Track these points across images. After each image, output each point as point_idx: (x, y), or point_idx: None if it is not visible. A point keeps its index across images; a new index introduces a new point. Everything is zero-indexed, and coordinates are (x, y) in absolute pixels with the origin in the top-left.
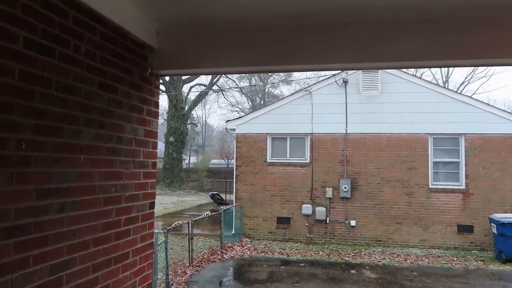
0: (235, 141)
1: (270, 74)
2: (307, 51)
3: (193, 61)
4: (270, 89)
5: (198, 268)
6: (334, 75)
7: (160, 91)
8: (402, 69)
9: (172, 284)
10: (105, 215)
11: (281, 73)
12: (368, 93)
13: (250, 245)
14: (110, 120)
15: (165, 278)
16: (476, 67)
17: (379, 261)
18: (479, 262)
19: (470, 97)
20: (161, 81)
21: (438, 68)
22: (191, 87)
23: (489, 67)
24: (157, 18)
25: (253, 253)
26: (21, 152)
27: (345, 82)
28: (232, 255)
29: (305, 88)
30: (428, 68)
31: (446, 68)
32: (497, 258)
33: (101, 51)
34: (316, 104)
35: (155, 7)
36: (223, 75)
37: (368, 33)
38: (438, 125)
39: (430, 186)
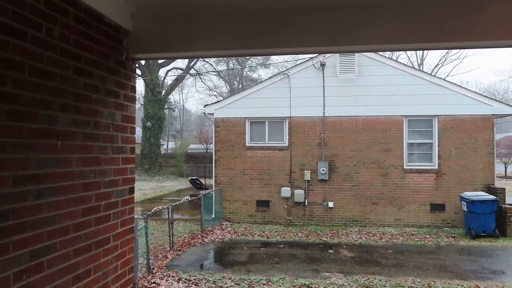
0: (213, 126)
1: (248, 57)
2: (287, 34)
3: (170, 44)
4: (248, 72)
5: (179, 252)
6: (311, 58)
7: (136, 75)
8: (379, 52)
9: (153, 268)
10: (84, 201)
11: (259, 57)
12: (345, 76)
13: (230, 228)
14: (87, 105)
15: (146, 262)
16: (450, 50)
17: (356, 241)
18: (450, 238)
19: (444, 79)
20: (137, 65)
21: (413, 51)
22: (167, 71)
23: (462, 50)
24: (132, 0)
25: (233, 236)
26: None
27: (323, 65)
28: (213, 239)
29: (283, 71)
30: (404, 51)
31: (421, 51)
32: (467, 234)
33: (75, 34)
34: (294, 88)
35: None
36: (201, 59)
37: (347, 17)
38: (413, 107)
39: (405, 167)
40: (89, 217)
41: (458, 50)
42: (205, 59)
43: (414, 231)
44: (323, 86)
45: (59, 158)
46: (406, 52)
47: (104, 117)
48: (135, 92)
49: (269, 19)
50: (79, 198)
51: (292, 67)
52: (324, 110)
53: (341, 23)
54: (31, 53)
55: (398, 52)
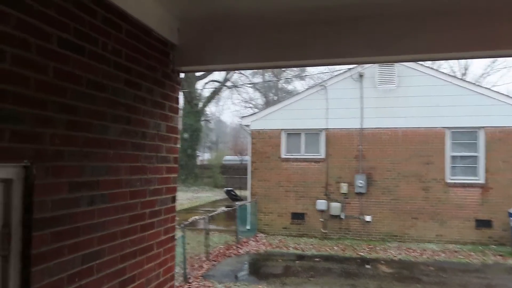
0: (249, 137)
1: (284, 69)
2: (324, 45)
3: (212, 57)
4: (283, 84)
5: (214, 263)
6: (350, 69)
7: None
8: (419, 62)
9: (190, 277)
10: (131, 208)
11: (295, 69)
12: (384, 87)
13: (265, 240)
14: (136, 116)
15: (182, 272)
16: (496, 59)
17: (395, 256)
18: (498, 257)
19: (489, 89)
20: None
21: (456, 61)
22: (205, 84)
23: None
24: (178, 15)
25: (268, 248)
26: (55, 147)
27: (361, 76)
28: (248, 250)
29: (319, 83)
30: (445, 60)
31: (464, 61)
32: None
33: (126, 48)
34: (331, 99)
35: (177, 4)
36: (237, 72)
37: (387, 27)
38: (456, 118)
39: (447, 181)
40: (135, 224)
41: (504, 59)
42: (242, 71)
43: (458, 248)
44: (361, 97)
45: (110, 166)
46: (448, 61)
47: (151, 128)
48: (179, 104)
49: (304, 30)
50: (127, 205)
51: (329, 78)
52: (362, 121)
53: (381, 32)
54: (88, 67)
55: (439, 63)
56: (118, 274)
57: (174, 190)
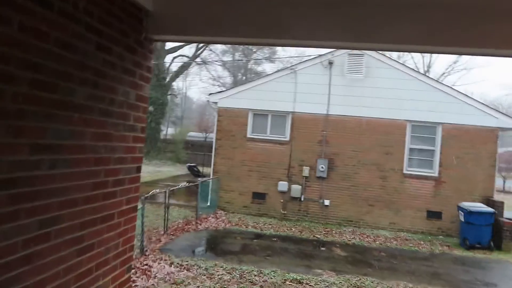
0: (216, 115)
1: (254, 50)
2: (302, 26)
3: (187, 27)
4: (253, 65)
5: (173, 237)
6: (320, 55)
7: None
8: (386, 55)
9: (147, 250)
10: (94, 175)
11: (265, 50)
12: (352, 76)
13: (224, 217)
14: (104, 81)
15: (139, 244)
16: (459, 57)
17: (349, 240)
18: (445, 247)
19: (451, 87)
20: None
21: (420, 57)
22: (174, 58)
23: (470, 59)
24: None
25: (227, 225)
26: (17, 105)
27: (330, 63)
28: (207, 226)
29: (290, 66)
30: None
31: (427, 58)
32: (461, 244)
33: (98, 9)
34: (300, 83)
35: None
36: (208, 48)
37: (369, 14)
38: (418, 112)
39: (404, 172)
40: (97, 192)
41: (465, 59)
42: (212, 49)
43: (409, 236)
44: (329, 84)
45: (75, 130)
46: (413, 58)
47: (119, 95)
48: (150, 73)
49: (289, 9)
50: (90, 172)
51: (299, 62)
52: (328, 108)
53: (362, 20)
54: (56, 24)
55: (404, 58)
56: (76, 241)
57: (139, 160)
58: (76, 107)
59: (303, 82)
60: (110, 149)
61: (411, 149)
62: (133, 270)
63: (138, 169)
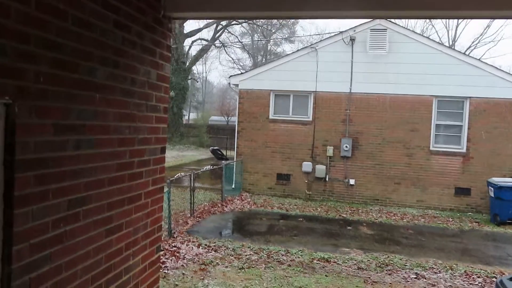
0: (237, 97)
1: (273, 31)
2: None
3: (205, 2)
4: (272, 46)
5: (199, 219)
6: (341, 32)
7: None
8: (410, 29)
9: (175, 232)
10: (119, 156)
11: (284, 31)
12: (375, 52)
13: (250, 199)
14: (124, 61)
15: (167, 227)
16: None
17: (376, 219)
18: (474, 223)
19: (479, 59)
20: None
21: (445, 30)
22: (192, 42)
23: (497, 31)
24: None
25: (252, 207)
26: (39, 85)
27: (352, 40)
28: (232, 208)
29: (310, 45)
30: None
31: (453, 31)
32: (491, 220)
33: None
34: (321, 62)
35: None
36: (226, 30)
37: None
38: (444, 87)
39: (431, 148)
40: (122, 173)
41: (492, 31)
42: (230, 31)
43: (437, 213)
44: (352, 61)
45: (97, 111)
46: (437, 32)
47: (140, 74)
48: (170, 52)
49: None
50: (114, 152)
51: (320, 41)
52: (351, 86)
53: None
54: (74, 2)
55: (428, 32)
56: (105, 221)
57: (163, 140)
58: (98, 87)
59: (324, 60)
60: (134, 129)
61: (437, 125)
62: (162, 252)
63: (163, 150)
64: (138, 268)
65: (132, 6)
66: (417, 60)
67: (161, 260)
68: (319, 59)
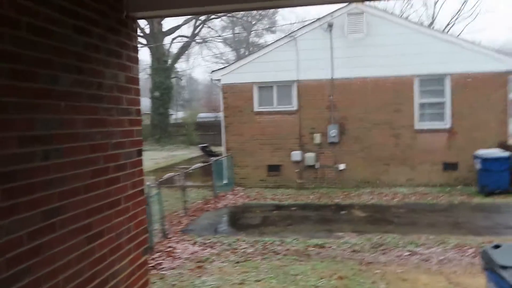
0: (221, 92)
1: (253, 22)
2: None
3: (170, 0)
4: (254, 38)
5: (193, 217)
6: (319, 19)
7: (141, 44)
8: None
9: (169, 233)
10: (92, 162)
11: (265, 21)
12: (354, 35)
13: (242, 193)
14: (89, 66)
15: (161, 228)
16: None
17: (368, 201)
18: (463, 196)
19: (456, 37)
20: (141, 34)
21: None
22: (172, 39)
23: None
24: None
25: (246, 200)
26: None
27: (330, 26)
28: (226, 204)
29: (289, 33)
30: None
31: (431, 9)
32: (480, 192)
33: None
34: (301, 50)
35: None
36: (205, 25)
37: None
38: (424, 66)
39: (416, 128)
40: (98, 179)
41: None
42: (210, 26)
43: (427, 190)
44: (331, 47)
45: (64, 119)
46: (416, 11)
47: (108, 78)
48: (137, 53)
49: None
50: (87, 159)
51: (298, 29)
52: (332, 72)
53: None
54: (27, 10)
55: (408, 12)
56: (84, 229)
57: (139, 143)
58: (62, 95)
59: (304, 48)
60: (106, 134)
61: (421, 104)
62: (158, 253)
63: (139, 153)
64: (126, 272)
65: (92, 9)
66: (395, 41)
67: (157, 261)
68: (299, 47)
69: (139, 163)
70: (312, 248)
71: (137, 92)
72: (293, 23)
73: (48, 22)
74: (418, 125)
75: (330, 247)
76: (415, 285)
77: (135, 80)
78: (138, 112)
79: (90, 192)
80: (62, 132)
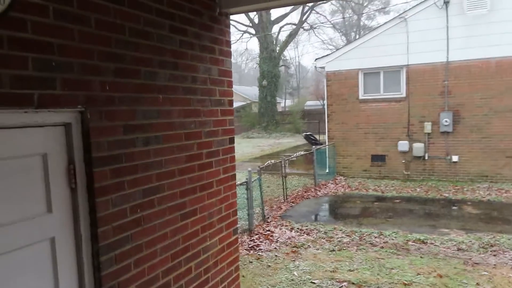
0: (325, 80)
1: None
2: None
3: None
4: (365, 21)
5: (293, 204)
6: None
7: (250, 34)
8: None
9: (268, 217)
10: (187, 149)
11: (377, 2)
12: (475, 12)
13: (344, 182)
14: (183, 61)
15: (261, 212)
16: None
17: (483, 197)
18: None
19: None
20: (250, 24)
21: None
22: (280, 27)
23: None
24: None
25: (346, 190)
26: (105, 93)
27: (446, 2)
28: (326, 192)
29: (399, 15)
30: None
31: None
32: None
33: None
34: (412, 32)
35: None
36: (314, 11)
37: None
38: None
39: None
40: (192, 163)
41: None
42: (319, 11)
43: None
44: (447, 26)
45: (161, 110)
46: None
47: (201, 72)
48: (230, 47)
49: None
50: (182, 146)
51: (409, 9)
52: (447, 54)
53: None
54: (129, 16)
55: None
56: (178, 207)
57: (230, 131)
58: (160, 89)
59: (415, 30)
60: (199, 123)
61: None
62: (256, 236)
63: (231, 141)
64: (216, 248)
65: (186, 9)
66: None
67: (256, 243)
68: (410, 29)
69: (231, 150)
70: (412, 243)
71: (230, 84)
72: (408, 1)
73: (147, 25)
74: None
75: (432, 243)
76: None
77: (228, 73)
78: (230, 103)
79: (184, 175)
80: (160, 121)
